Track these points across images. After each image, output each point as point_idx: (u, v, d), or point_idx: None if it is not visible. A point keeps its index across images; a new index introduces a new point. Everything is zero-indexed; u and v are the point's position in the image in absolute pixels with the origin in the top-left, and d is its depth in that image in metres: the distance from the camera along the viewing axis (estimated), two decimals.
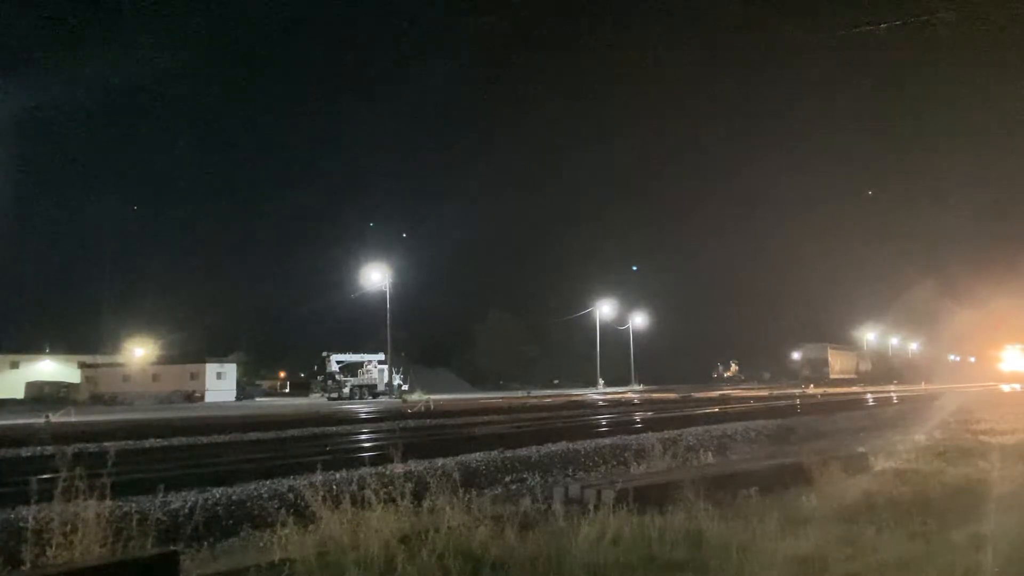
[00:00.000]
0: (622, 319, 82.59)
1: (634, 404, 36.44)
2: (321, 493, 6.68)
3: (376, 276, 54.57)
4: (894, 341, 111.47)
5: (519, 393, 58.44)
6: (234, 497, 9.27)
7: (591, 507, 7.24)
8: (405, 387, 52.91)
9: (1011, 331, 60.92)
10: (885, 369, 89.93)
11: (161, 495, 8.65)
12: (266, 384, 71.72)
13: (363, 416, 28.46)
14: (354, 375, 55.26)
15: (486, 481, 11.48)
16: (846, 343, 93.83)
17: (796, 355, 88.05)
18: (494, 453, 13.29)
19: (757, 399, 37.92)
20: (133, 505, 8.03)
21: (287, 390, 73.01)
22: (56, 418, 27.23)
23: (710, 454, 12.91)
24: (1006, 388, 43.19)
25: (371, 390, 54.04)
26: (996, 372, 58.31)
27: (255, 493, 9.50)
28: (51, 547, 5.54)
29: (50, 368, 68.63)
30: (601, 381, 73.10)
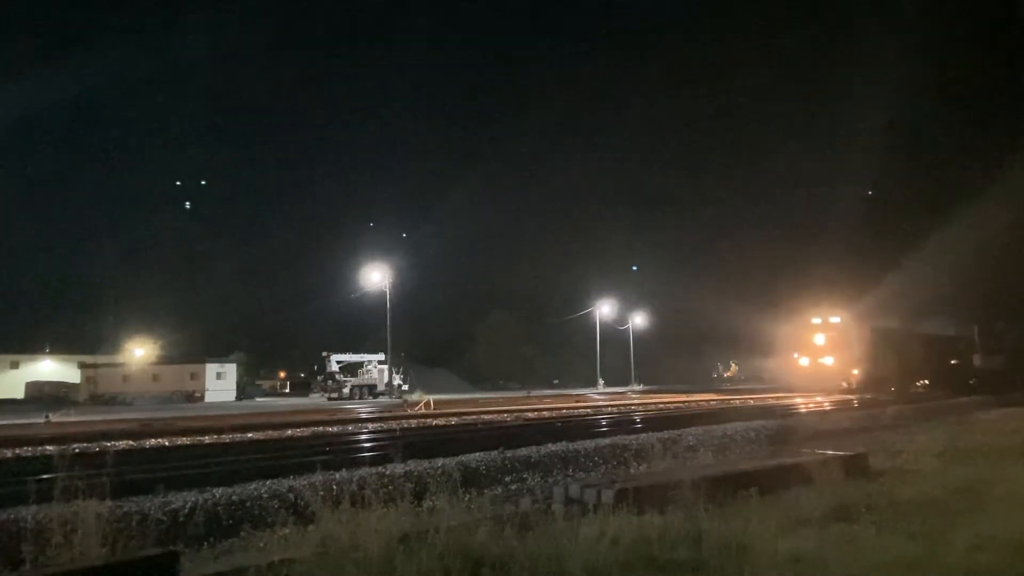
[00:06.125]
0: (622, 319, 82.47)
1: (634, 404, 36.44)
2: (321, 493, 6.70)
3: (376, 276, 54.48)
4: None
5: (519, 393, 58.42)
6: (234, 497, 9.24)
7: (591, 507, 7.24)
8: (405, 387, 52.84)
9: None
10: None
11: (161, 495, 8.68)
12: (266, 384, 71.70)
13: (363, 416, 28.43)
14: (354, 375, 55.28)
15: (486, 481, 11.48)
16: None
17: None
18: (494, 453, 13.26)
19: (757, 400, 37.91)
20: (133, 505, 8.04)
21: (287, 390, 73.01)
22: (56, 418, 27.31)
23: (710, 454, 12.90)
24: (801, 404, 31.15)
25: (371, 390, 54.04)
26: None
27: (255, 493, 9.48)
28: (51, 547, 5.54)
29: (50, 368, 68.61)
30: (601, 381, 73.01)
